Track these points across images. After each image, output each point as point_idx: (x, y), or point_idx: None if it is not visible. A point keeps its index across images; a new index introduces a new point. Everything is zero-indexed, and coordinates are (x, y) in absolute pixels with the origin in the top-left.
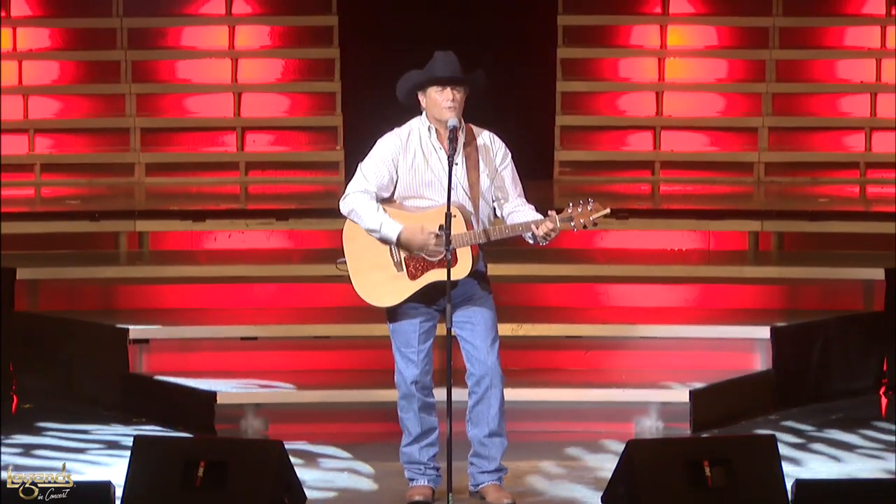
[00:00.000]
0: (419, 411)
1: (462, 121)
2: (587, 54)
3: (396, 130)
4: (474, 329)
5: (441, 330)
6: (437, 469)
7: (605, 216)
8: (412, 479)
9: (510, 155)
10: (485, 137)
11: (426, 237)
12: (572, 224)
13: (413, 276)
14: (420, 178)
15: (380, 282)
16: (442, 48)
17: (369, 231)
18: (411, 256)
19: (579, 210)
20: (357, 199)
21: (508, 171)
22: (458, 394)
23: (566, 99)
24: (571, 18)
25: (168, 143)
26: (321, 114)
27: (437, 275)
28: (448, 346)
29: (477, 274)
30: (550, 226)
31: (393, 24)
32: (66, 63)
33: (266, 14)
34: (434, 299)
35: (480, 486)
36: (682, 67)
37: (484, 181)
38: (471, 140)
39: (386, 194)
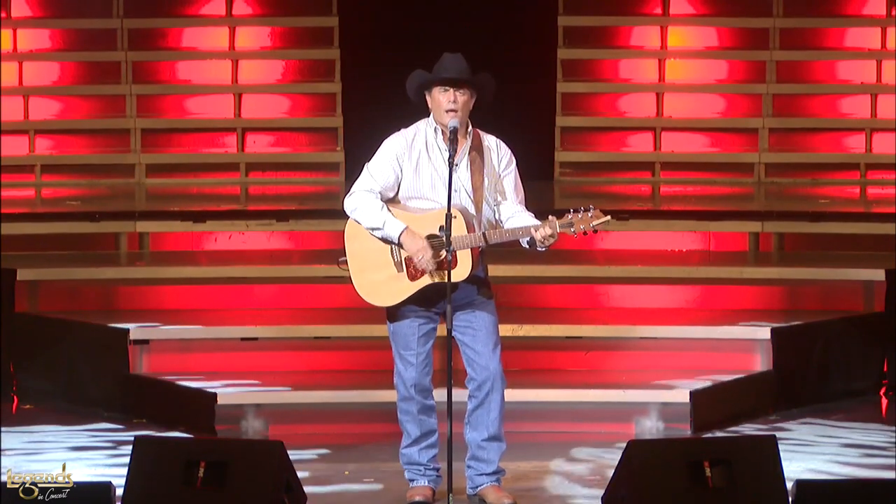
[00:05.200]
0: (418, 414)
1: (469, 124)
2: (587, 55)
3: (403, 131)
4: (476, 334)
5: (441, 332)
6: (437, 470)
7: (605, 223)
8: (412, 480)
9: (515, 162)
10: (491, 142)
11: (423, 245)
12: (572, 230)
13: (413, 277)
14: (423, 178)
15: (380, 281)
16: (442, 49)
17: (372, 229)
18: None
19: (580, 216)
20: (361, 198)
21: (511, 178)
22: (459, 394)
23: (566, 100)
24: (572, 19)
25: (168, 143)
26: (321, 115)
27: (437, 276)
28: (448, 348)
29: (477, 279)
30: (549, 231)
31: (393, 25)
32: (66, 64)
33: (266, 15)
34: (434, 301)
35: (479, 488)
36: (683, 68)
37: (487, 185)
38: (477, 144)
39: (391, 194)
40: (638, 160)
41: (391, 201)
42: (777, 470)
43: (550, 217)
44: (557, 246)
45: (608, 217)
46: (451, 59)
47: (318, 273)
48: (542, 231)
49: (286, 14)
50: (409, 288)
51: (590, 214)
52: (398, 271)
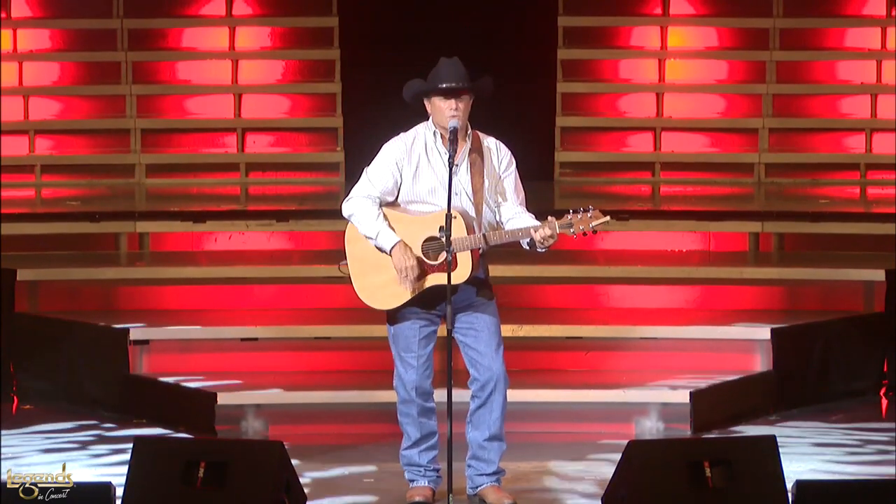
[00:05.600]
0: (418, 416)
1: (469, 126)
2: (587, 55)
3: (402, 135)
4: (478, 335)
5: (442, 333)
6: (437, 471)
7: (605, 224)
8: (412, 481)
9: (515, 163)
10: (490, 144)
11: (411, 265)
12: (571, 230)
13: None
14: (423, 182)
15: (380, 285)
16: (442, 49)
17: (367, 237)
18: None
19: (579, 217)
20: (359, 204)
21: (511, 179)
22: (459, 395)
23: (566, 100)
24: (572, 19)
25: (168, 144)
26: (321, 115)
27: (437, 279)
28: (448, 348)
29: (478, 280)
30: (548, 231)
31: (393, 26)
32: (66, 64)
33: (266, 15)
34: (434, 303)
35: (479, 488)
36: (683, 68)
37: (487, 187)
38: (477, 146)
39: (390, 198)
40: (638, 160)
41: (392, 205)
42: (777, 470)
43: (549, 218)
44: (557, 246)
45: (607, 218)
46: (448, 66)
47: (317, 273)
48: (542, 232)
49: (286, 14)
50: (412, 290)
51: (589, 215)
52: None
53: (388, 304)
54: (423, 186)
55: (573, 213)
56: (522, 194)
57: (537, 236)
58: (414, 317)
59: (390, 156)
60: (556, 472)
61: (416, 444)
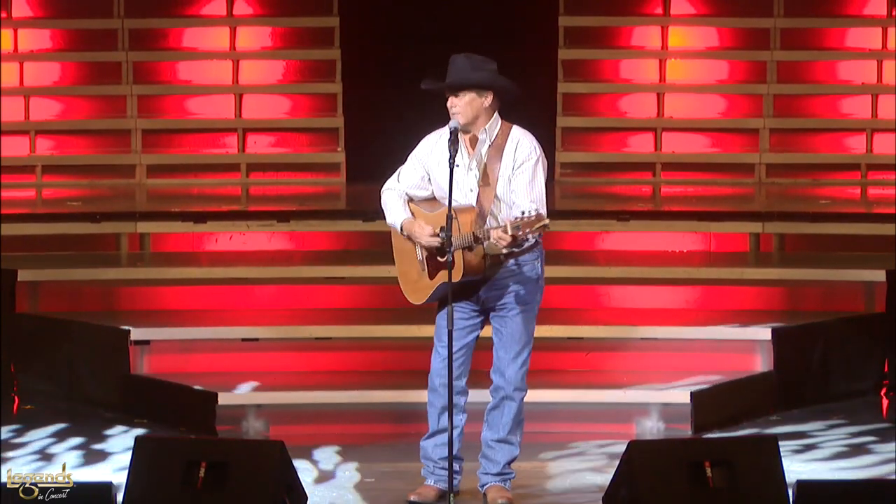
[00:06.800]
0: (440, 409)
1: (492, 120)
2: (588, 55)
3: (435, 131)
4: (502, 340)
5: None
6: (447, 470)
7: (543, 227)
8: (424, 477)
9: (536, 158)
10: (515, 139)
11: (420, 226)
12: (519, 232)
13: (431, 276)
14: (447, 178)
15: (412, 280)
16: (442, 49)
17: (389, 225)
18: (429, 256)
19: (523, 219)
20: (384, 197)
21: (525, 175)
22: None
23: (567, 100)
24: (572, 19)
25: (169, 144)
26: (322, 115)
27: (444, 276)
28: (448, 345)
29: (522, 280)
30: (501, 233)
31: (394, 25)
32: (67, 64)
33: (267, 15)
34: (461, 297)
35: (484, 486)
36: (684, 68)
37: (502, 183)
38: (500, 142)
39: (423, 193)
40: (639, 161)
41: (429, 201)
42: (778, 470)
43: (505, 219)
44: (558, 246)
45: (545, 221)
46: (450, 64)
47: (318, 274)
48: (497, 232)
49: (287, 14)
50: (430, 286)
51: (533, 218)
52: (421, 270)
53: (416, 299)
54: (447, 182)
55: (522, 214)
56: (537, 192)
57: (493, 235)
58: (455, 309)
59: (416, 154)
60: (557, 472)
61: (432, 435)
